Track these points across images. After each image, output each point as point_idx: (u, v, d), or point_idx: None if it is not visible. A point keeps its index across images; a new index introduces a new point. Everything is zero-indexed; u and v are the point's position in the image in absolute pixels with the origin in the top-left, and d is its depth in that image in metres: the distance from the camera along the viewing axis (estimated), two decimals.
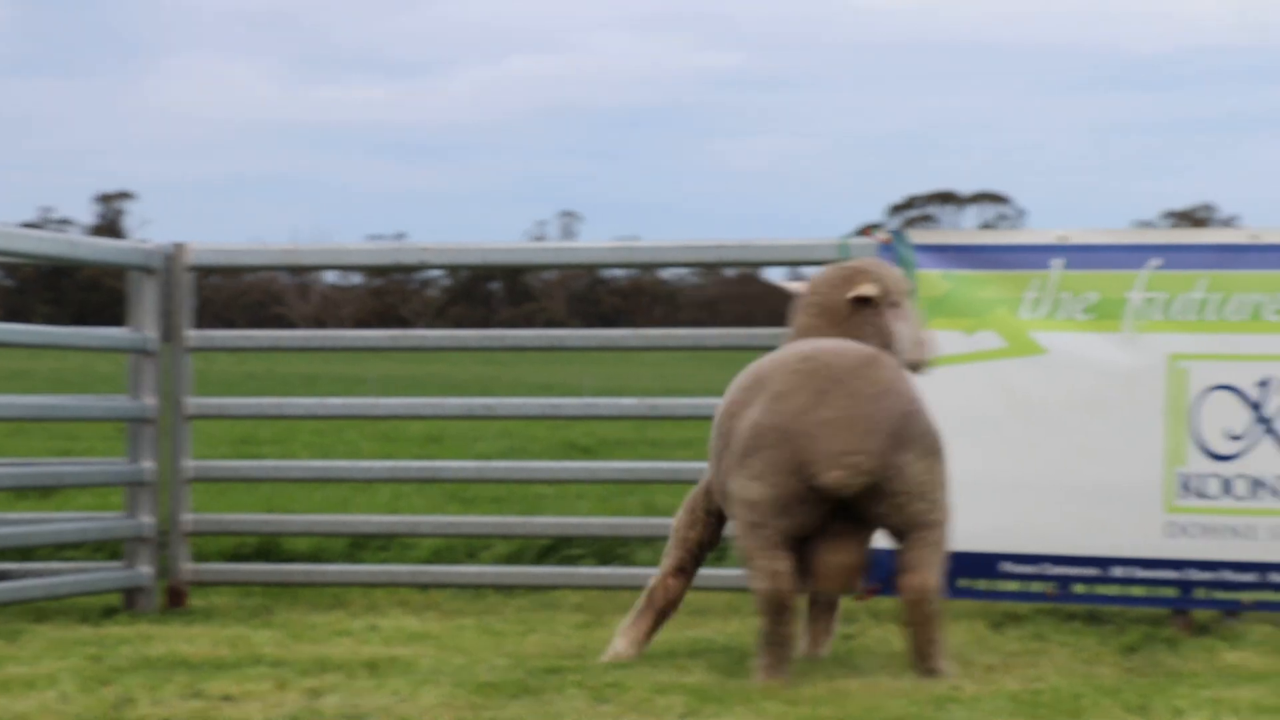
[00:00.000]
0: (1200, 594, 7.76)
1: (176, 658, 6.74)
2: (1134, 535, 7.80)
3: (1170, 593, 7.79)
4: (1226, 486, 7.73)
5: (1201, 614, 7.90)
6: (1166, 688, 6.10)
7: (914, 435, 6.34)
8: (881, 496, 6.30)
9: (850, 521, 6.33)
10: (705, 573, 8.65)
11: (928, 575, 6.37)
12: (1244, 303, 7.78)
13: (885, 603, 8.08)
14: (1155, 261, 7.89)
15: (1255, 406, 7.71)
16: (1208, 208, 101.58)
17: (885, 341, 6.66)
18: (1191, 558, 7.75)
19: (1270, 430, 7.70)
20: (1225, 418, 7.74)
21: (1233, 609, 7.78)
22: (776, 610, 6.29)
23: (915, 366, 6.82)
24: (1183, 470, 7.77)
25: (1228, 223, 79.88)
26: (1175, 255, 7.91)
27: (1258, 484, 7.70)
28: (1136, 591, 7.83)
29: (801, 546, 6.34)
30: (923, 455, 6.36)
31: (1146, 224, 78.95)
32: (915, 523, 6.37)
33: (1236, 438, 7.74)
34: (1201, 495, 7.75)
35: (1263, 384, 7.70)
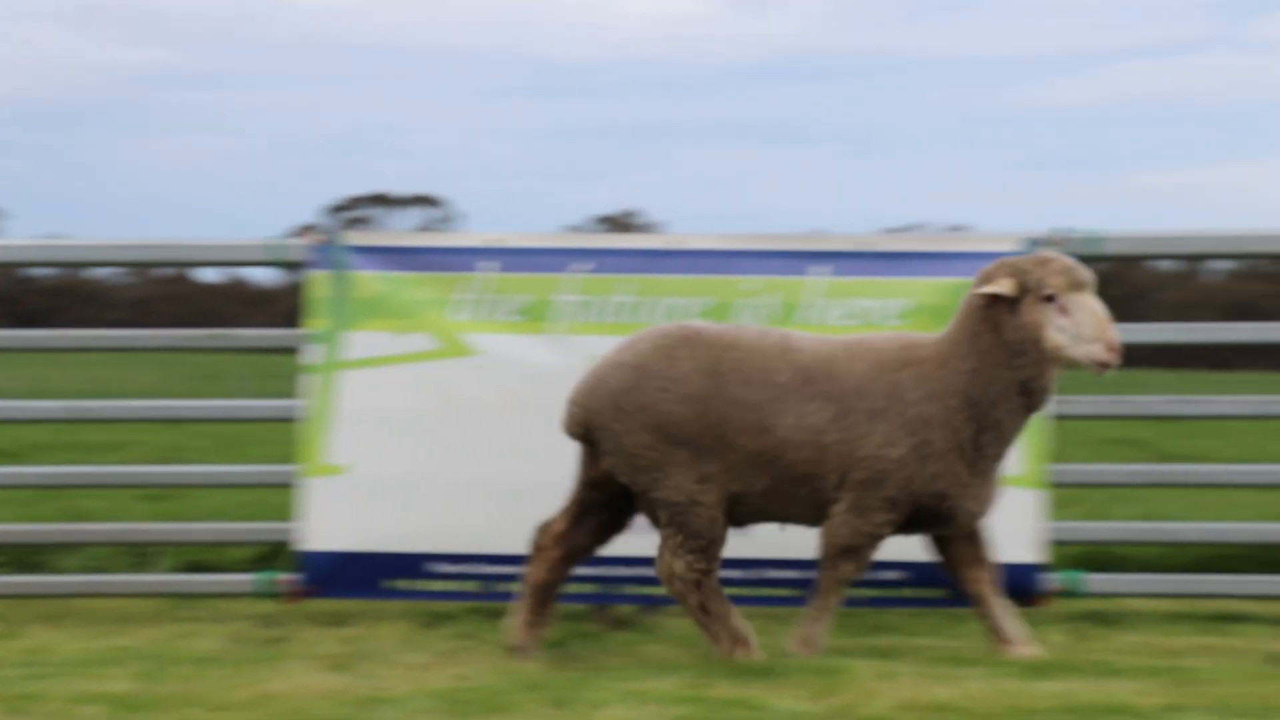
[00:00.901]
0: (621, 589, 8.00)
1: None
2: None
3: (592, 588, 8.00)
4: None
5: (622, 608, 8.14)
6: (588, 681, 6.24)
7: (638, 407, 6.69)
8: (602, 456, 6.84)
9: None
10: (128, 579, 8.47)
11: (667, 561, 6.80)
12: (666, 306, 8.05)
13: (316, 605, 8.06)
14: (583, 265, 8.09)
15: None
16: (635, 213, 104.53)
17: (1030, 337, 6.70)
18: (613, 554, 7.96)
19: None
20: None
21: (652, 603, 8.03)
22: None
23: (1077, 364, 6.72)
24: None
25: (651, 228, 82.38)
26: (601, 259, 8.12)
27: None
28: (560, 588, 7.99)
29: None
30: (645, 431, 6.69)
31: (577, 229, 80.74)
32: (646, 497, 6.82)
33: None
34: None
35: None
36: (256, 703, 5.90)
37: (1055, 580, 8.12)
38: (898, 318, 7.94)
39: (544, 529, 7.07)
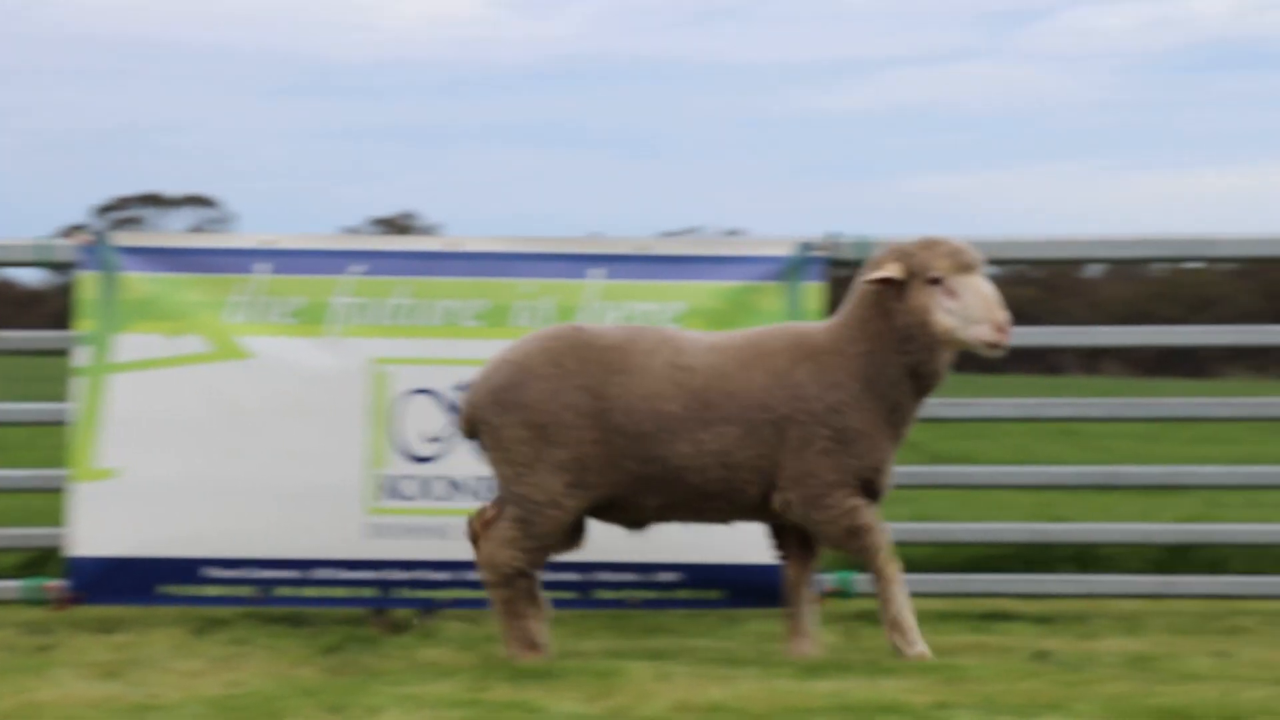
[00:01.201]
0: (399, 593, 7.97)
1: None
2: (336, 537, 7.92)
3: (371, 593, 7.96)
4: (425, 488, 7.96)
5: (400, 612, 8.12)
6: (364, 686, 6.21)
7: (518, 404, 6.73)
8: (482, 452, 6.91)
9: None
10: None
11: (493, 549, 6.82)
12: (441, 308, 8.04)
13: (86, 611, 7.93)
14: (358, 267, 8.05)
15: (452, 410, 7.97)
16: (411, 215, 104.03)
17: (918, 321, 6.73)
18: (391, 558, 7.95)
19: None
20: (424, 421, 7.97)
21: (430, 607, 8.01)
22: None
23: (967, 345, 6.76)
24: (383, 472, 7.95)
25: (429, 231, 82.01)
26: (377, 261, 8.09)
27: (455, 485, 7.96)
28: (338, 593, 7.96)
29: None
30: (523, 427, 6.74)
31: (354, 230, 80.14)
32: (503, 490, 6.85)
33: (435, 440, 7.98)
34: (401, 497, 7.95)
35: (459, 388, 7.97)
36: (23, 712, 5.78)
37: (828, 581, 8.24)
38: (672, 321, 8.00)
39: (478, 515, 7.04)
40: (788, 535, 7.08)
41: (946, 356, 6.79)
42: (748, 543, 7.69)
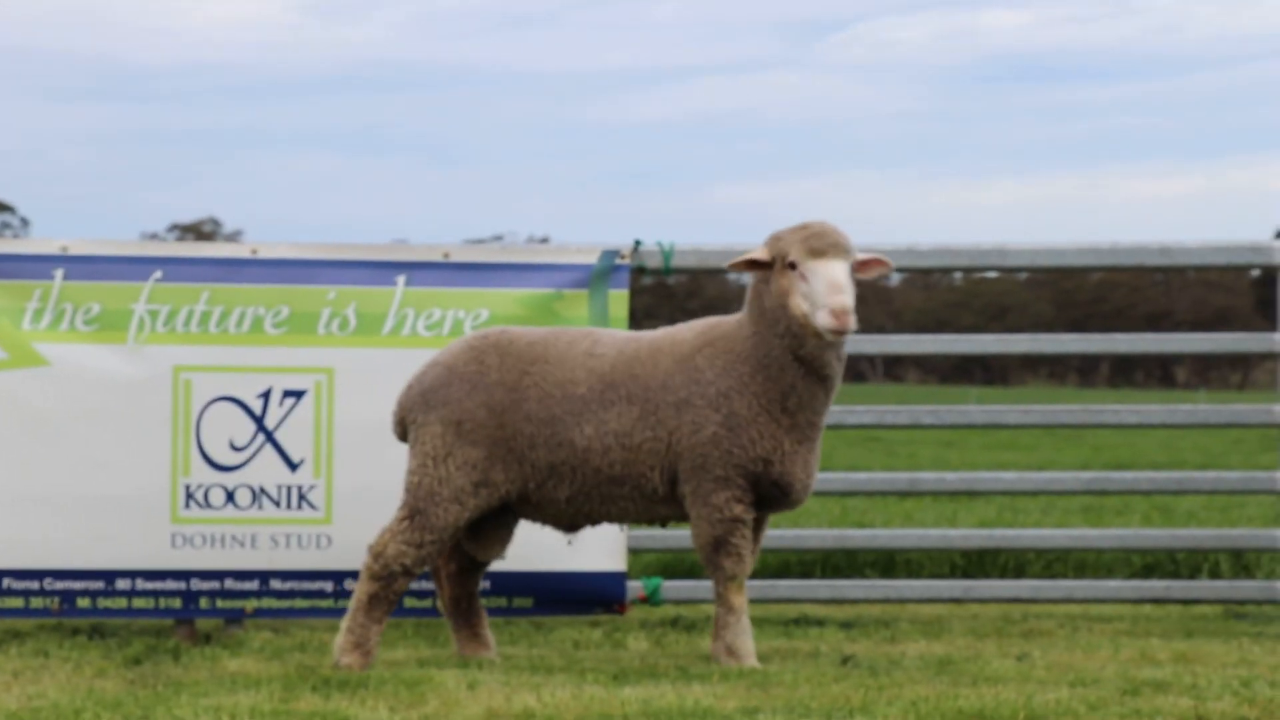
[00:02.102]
0: (205, 603, 7.89)
1: None
2: (140, 547, 7.82)
3: (175, 603, 7.88)
4: (230, 496, 7.89)
5: (205, 623, 8.04)
6: (169, 697, 6.14)
7: (441, 402, 6.86)
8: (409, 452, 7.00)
9: None
10: None
11: (385, 540, 6.87)
12: (245, 316, 7.97)
13: None
14: (158, 274, 7.95)
15: (257, 418, 7.91)
16: (214, 221, 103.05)
17: (779, 305, 6.68)
18: (196, 568, 7.87)
19: (271, 440, 7.93)
20: (228, 429, 7.91)
21: (236, 617, 7.95)
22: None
23: (811, 332, 6.62)
24: (188, 481, 7.87)
25: (232, 237, 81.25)
26: (178, 268, 7.99)
27: (260, 493, 7.91)
28: (142, 603, 7.86)
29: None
30: (441, 424, 6.86)
31: (155, 236, 79.14)
32: (407, 484, 6.94)
33: (239, 448, 7.92)
34: (206, 505, 7.88)
35: (264, 396, 7.92)
36: None
37: (637, 588, 8.30)
38: (474, 329, 8.01)
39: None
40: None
41: (822, 343, 6.65)
42: (556, 550, 7.74)
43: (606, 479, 6.87)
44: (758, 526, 7.00)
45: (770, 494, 6.86)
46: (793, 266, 6.63)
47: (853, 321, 6.58)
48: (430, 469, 6.90)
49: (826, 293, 6.55)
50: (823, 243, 6.62)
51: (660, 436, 6.80)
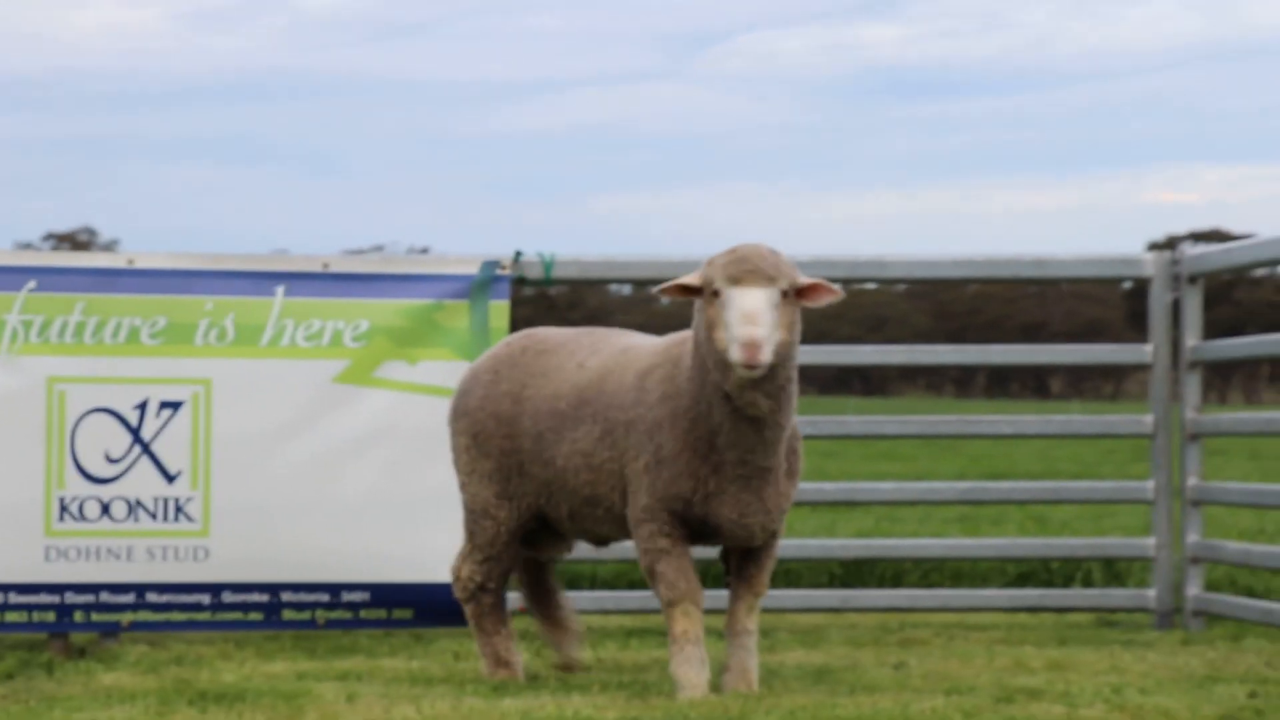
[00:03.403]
0: (80, 617, 7.81)
1: None
2: (13, 559, 7.74)
3: (49, 617, 7.80)
4: (105, 509, 7.82)
5: (80, 636, 7.95)
6: (42, 713, 6.07)
7: (463, 412, 6.84)
8: None
9: None
10: None
11: (458, 563, 6.91)
12: (121, 326, 7.91)
13: None
14: (32, 283, 7.88)
15: (133, 429, 7.85)
16: (90, 231, 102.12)
17: (704, 336, 6.07)
18: (71, 580, 7.79)
19: (148, 452, 7.86)
20: (104, 440, 7.84)
21: (112, 630, 7.87)
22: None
23: (727, 365, 5.98)
24: (63, 493, 7.79)
25: (108, 247, 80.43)
26: (53, 278, 7.93)
27: (136, 505, 7.84)
28: (15, 617, 7.77)
29: None
30: (464, 435, 6.82)
31: (29, 246, 78.26)
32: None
33: (115, 460, 7.85)
34: (81, 518, 7.80)
35: (140, 406, 7.86)
36: None
37: (517, 599, 8.29)
38: (354, 340, 7.99)
39: None
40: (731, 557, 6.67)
41: (748, 379, 6.00)
42: (435, 562, 7.72)
43: (582, 500, 6.58)
44: (751, 551, 6.50)
45: (700, 531, 6.37)
46: (716, 294, 6.01)
47: (763, 355, 5.90)
48: (465, 486, 6.88)
49: (737, 323, 5.91)
50: (741, 269, 5.98)
51: (615, 457, 6.43)
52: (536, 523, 6.87)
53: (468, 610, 6.93)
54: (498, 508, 6.79)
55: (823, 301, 6.15)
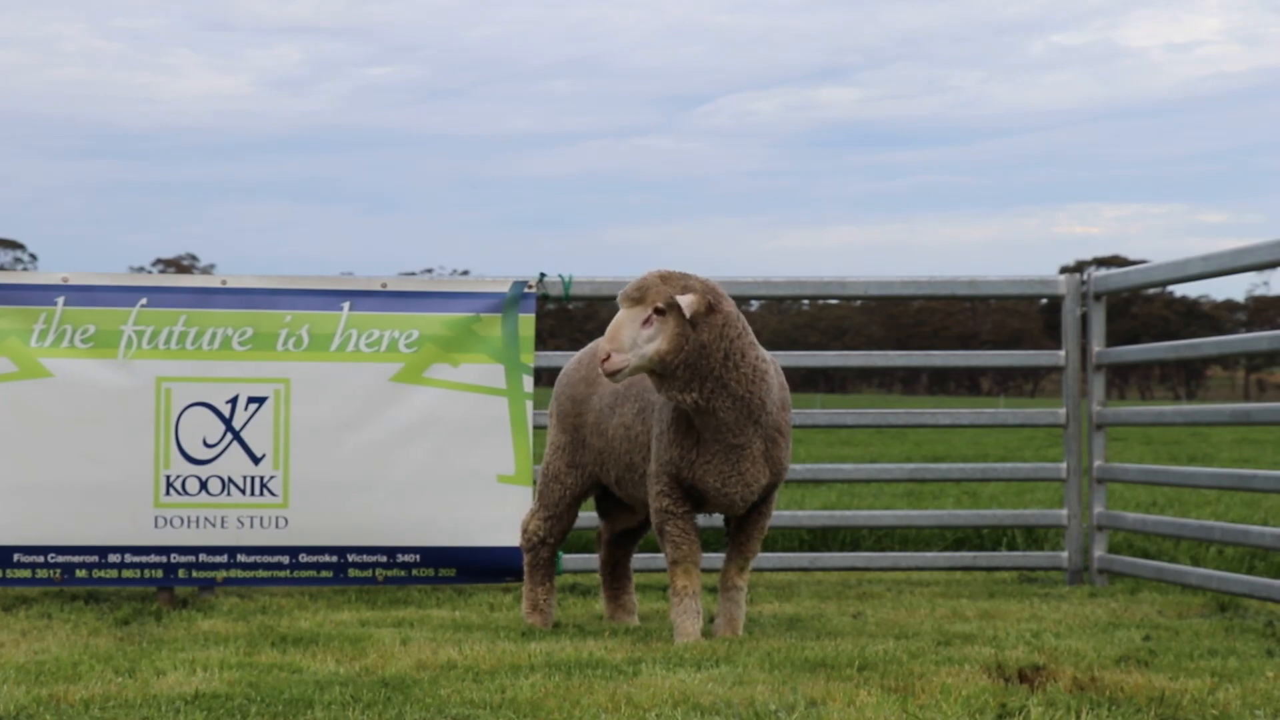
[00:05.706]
0: (182, 574, 7.81)
1: None
2: (128, 526, 7.74)
3: (158, 573, 7.79)
4: (203, 485, 7.81)
5: (182, 590, 7.95)
6: (151, 652, 6.07)
7: (554, 397, 6.90)
8: None
9: None
10: None
11: (526, 517, 6.98)
12: (216, 335, 7.91)
13: None
14: (143, 300, 7.88)
15: (226, 420, 7.84)
16: (191, 257, 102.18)
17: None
18: (175, 544, 7.79)
19: (238, 438, 7.86)
20: (202, 429, 7.83)
21: (209, 585, 7.86)
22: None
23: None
24: (169, 472, 7.79)
25: (205, 270, 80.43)
26: (161, 295, 7.94)
27: (228, 482, 7.83)
28: (130, 574, 7.77)
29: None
30: (553, 415, 6.88)
31: (141, 269, 78.21)
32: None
33: (211, 445, 7.84)
34: (183, 492, 7.80)
35: (232, 401, 7.86)
36: None
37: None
38: (407, 346, 8.00)
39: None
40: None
41: (654, 381, 6.06)
42: (475, 528, 7.74)
43: (624, 465, 6.57)
44: (744, 520, 6.48)
45: (694, 496, 6.32)
46: None
47: (610, 364, 5.88)
48: (548, 454, 6.92)
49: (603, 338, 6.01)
50: (621, 293, 6.00)
51: (644, 430, 6.45)
52: (600, 490, 6.94)
53: (526, 559, 6.95)
54: (566, 475, 6.85)
55: (689, 312, 5.91)
